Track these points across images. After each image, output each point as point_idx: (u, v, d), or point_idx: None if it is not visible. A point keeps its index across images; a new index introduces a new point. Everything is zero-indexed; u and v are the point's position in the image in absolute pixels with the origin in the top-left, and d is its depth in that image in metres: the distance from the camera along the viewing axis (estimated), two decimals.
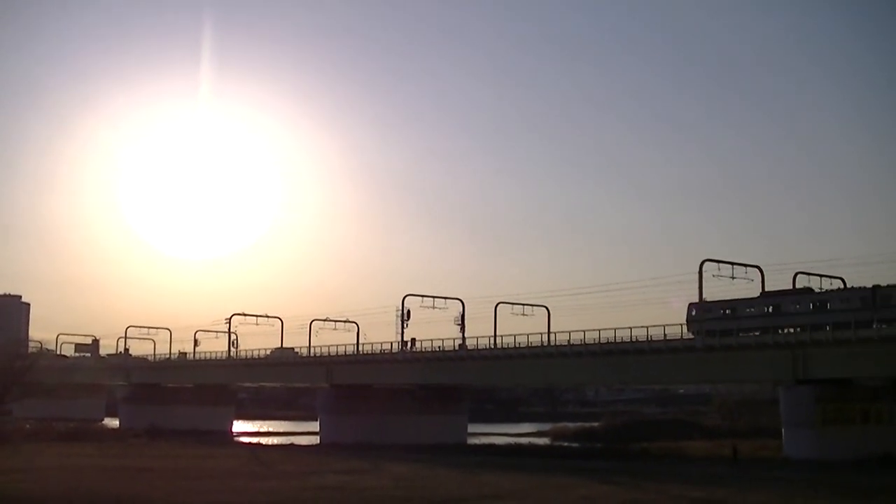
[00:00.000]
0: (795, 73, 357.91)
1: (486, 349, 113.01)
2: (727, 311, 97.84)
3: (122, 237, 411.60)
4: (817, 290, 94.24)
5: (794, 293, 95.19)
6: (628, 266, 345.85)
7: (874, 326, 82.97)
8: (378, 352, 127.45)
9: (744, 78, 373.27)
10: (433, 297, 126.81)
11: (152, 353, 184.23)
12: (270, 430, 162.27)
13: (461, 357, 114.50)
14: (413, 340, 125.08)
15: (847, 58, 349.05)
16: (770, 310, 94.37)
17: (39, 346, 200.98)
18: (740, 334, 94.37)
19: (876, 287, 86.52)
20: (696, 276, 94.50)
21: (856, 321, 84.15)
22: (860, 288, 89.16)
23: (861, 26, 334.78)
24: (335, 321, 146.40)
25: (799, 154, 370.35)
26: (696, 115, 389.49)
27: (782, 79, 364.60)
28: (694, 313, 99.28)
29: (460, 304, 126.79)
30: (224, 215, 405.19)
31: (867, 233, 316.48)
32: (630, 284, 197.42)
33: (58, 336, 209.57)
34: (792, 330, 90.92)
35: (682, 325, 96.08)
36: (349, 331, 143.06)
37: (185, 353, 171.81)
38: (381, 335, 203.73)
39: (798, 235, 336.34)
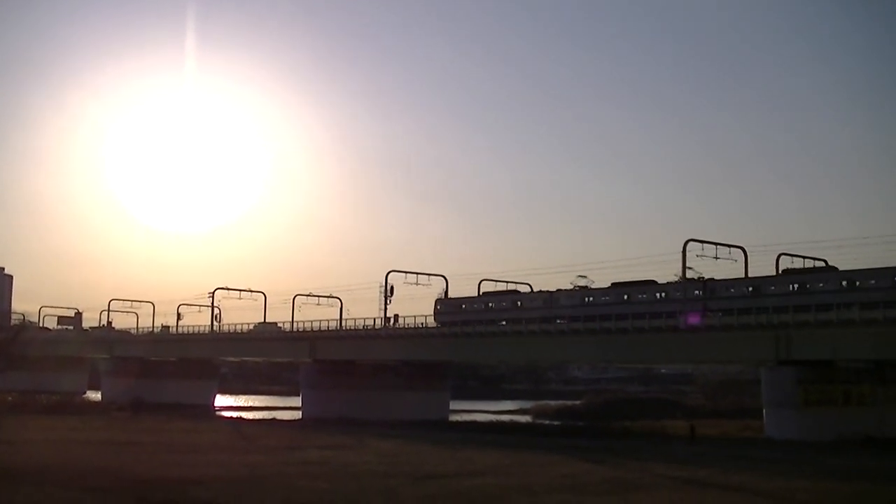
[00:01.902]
0: (786, 56, 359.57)
1: (469, 326, 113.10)
2: (463, 306, 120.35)
3: (108, 210, 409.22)
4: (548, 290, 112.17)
5: (507, 293, 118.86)
6: (614, 245, 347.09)
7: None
8: (361, 327, 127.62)
9: (734, 61, 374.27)
10: (416, 273, 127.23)
11: (135, 326, 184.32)
12: (253, 404, 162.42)
13: (444, 334, 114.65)
14: (396, 316, 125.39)
15: (838, 41, 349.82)
16: (490, 305, 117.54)
17: (22, 318, 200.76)
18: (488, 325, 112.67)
19: (555, 291, 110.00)
20: (680, 255, 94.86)
21: (541, 317, 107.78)
22: (545, 291, 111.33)
23: (852, 8, 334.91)
24: (318, 296, 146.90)
25: (790, 137, 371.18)
26: (686, 95, 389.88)
27: (773, 62, 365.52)
28: (439, 307, 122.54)
29: (444, 280, 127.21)
30: (209, 190, 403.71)
31: (854, 216, 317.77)
32: (614, 263, 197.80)
33: (41, 308, 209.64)
34: (504, 322, 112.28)
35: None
36: (332, 306, 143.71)
37: (169, 327, 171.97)
38: (364, 311, 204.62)
39: (786, 217, 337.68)
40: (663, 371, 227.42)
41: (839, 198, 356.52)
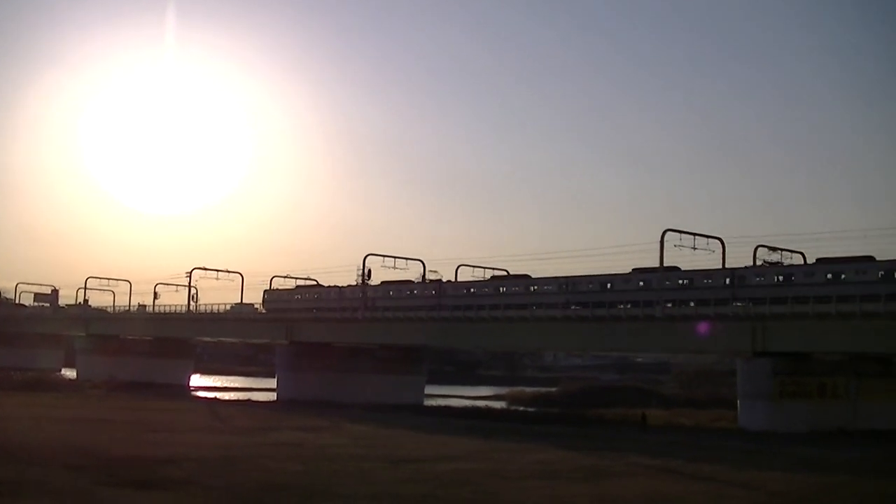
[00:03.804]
0: (770, 47, 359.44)
1: (446, 310, 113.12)
2: (296, 296, 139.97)
3: (84, 190, 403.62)
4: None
5: (313, 287, 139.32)
6: (596, 232, 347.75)
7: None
8: (338, 310, 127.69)
9: (719, 53, 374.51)
10: (394, 257, 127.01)
11: (112, 304, 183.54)
12: (228, 385, 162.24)
13: (421, 318, 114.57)
14: (374, 300, 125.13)
15: (825, 33, 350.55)
16: (300, 297, 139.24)
17: None
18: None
19: (345, 287, 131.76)
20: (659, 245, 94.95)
21: (333, 307, 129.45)
22: (337, 286, 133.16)
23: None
24: (295, 278, 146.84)
25: (776, 129, 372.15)
26: (682, 84, 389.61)
27: (756, 53, 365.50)
28: (266, 297, 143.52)
29: (421, 264, 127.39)
30: (190, 171, 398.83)
31: (833, 209, 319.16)
32: (594, 251, 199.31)
33: (17, 285, 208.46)
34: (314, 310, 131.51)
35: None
36: None
37: (145, 306, 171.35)
38: None
39: (766, 209, 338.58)
40: (639, 360, 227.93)
41: (820, 190, 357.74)
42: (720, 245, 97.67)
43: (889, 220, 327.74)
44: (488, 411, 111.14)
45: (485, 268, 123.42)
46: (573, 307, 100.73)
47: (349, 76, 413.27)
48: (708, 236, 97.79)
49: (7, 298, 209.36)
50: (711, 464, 51.40)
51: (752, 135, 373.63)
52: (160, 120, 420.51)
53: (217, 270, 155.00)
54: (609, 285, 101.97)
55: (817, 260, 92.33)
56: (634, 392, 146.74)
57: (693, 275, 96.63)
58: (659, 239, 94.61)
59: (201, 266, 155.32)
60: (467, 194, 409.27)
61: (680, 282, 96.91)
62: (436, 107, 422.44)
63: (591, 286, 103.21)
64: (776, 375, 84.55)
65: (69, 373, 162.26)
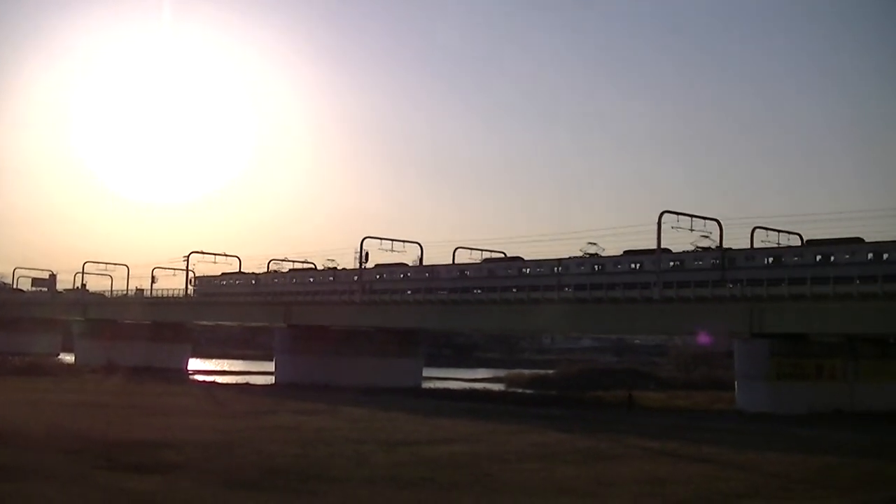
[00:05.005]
0: (765, 31, 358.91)
1: (444, 293, 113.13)
2: (214, 282, 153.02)
3: (79, 180, 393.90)
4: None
5: (236, 274, 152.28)
6: (593, 214, 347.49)
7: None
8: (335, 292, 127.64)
9: (715, 35, 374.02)
10: (392, 240, 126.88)
11: (109, 289, 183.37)
12: (226, 368, 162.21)
13: (419, 301, 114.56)
14: (371, 283, 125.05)
15: (815, 16, 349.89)
16: (224, 283, 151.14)
17: None
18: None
19: (260, 273, 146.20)
20: (655, 226, 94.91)
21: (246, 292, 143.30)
22: (254, 273, 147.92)
23: None
24: (293, 261, 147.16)
25: (768, 111, 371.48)
26: (667, 67, 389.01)
27: (751, 36, 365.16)
28: (195, 283, 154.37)
29: (419, 247, 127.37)
30: (189, 158, 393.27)
31: (836, 189, 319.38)
32: (590, 233, 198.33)
33: (14, 270, 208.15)
34: None
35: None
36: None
37: (143, 290, 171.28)
38: None
39: (764, 191, 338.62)
40: (637, 342, 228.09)
41: (816, 172, 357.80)
42: (718, 226, 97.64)
43: (888, 202, 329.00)
44: (486, 394, 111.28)
45: (482, 249, 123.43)
46: (566, 289, 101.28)
47: (347, 62, 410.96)
48: (705, 218, 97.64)
49: (5, 283, 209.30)
50: (709, 446, 51.30)
51: (753, 117, 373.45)
52: (156, 105, 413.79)
53: (215, 254, 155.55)
54: (466, 272, 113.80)
55: (624, 252, 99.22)
56: (632, 374, 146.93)
57: (531, 264, 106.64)
58: (656, 221, 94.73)
59: (199, 250, 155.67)
60: (463, 177, 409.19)
61: (523, 270, 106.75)
62: (432, 91, 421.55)
63: (449, 273, 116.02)
64: (773, 357, 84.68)
65: (67, 357, 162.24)
